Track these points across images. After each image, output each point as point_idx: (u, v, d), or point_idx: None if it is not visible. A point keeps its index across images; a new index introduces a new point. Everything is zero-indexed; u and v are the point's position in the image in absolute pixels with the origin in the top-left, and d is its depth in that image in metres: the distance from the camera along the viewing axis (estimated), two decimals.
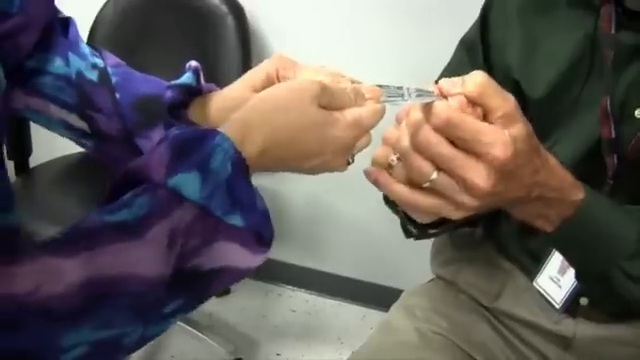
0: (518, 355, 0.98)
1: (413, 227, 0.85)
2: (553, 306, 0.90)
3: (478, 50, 0.96)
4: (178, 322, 1.94)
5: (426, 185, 0.59)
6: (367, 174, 0.64)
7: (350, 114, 0.61)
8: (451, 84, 0.60)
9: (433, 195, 0.60)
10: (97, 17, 1.82)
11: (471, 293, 1.02)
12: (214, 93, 0.76)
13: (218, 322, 2.08)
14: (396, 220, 1.99)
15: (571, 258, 0.75)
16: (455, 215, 0.61)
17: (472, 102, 0.58)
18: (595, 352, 0.93)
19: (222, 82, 1.70)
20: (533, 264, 0.93)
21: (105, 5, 1.82)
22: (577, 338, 0.93)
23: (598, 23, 0.82)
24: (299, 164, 0.61)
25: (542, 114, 0.86)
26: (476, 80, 0.59)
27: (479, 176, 0.57)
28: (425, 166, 0.59)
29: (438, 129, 0.57)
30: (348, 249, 2.12)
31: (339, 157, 0.61)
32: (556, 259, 0.89)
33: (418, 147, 0.59)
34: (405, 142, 0.60)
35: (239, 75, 1.75)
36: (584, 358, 0.94)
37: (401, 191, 0.61)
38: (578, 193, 0.68)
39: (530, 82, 0.89)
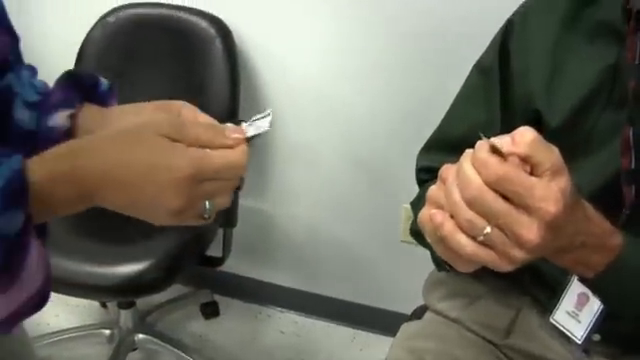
0: None
1: (447, 266, 0.85)
2: (574, 342, 0.87)
3: (495, 77, 0.95)
4: (167, 345, 1.94)
5: (480, 239, 0.59)
6: (433, 216, 0.61)
7: (195, 149, 0.60)
8: (503, 141, 0.59)
9: (487, 248, 0.60)
10: (85, 39, 1.82)
11: (478, 331, 1.01)
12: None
13: (207, 344, 2.06)
14: (386, 244, 2.00)
15: (611, 302, 0.76)
16: (505, 268, 0.60)
17: (522, 159, 0.58)
18: None
19: (210, 103, 1.73)
20: (547, 297, 0.92)
21: (94, 27, 1.82)
22: None
23: (622, 53, 0.82)
24: (131, 191, 0.59)
25: (558, 144, 0.86)
26: (527, 139, 0.58)
27: (531, 230, 0.57)
28: (479, 221, 0.58)
29: (491, 184, 0.57)
30: (337, 271, 2.12)
31: (177, 195, 0.59)
32: (571, 293, 0.87)
33: (472, 202, 0.58)
34: (456, 196, 0.59)
35: (227, 96, 1.78)
36: None
37: (465, 242, 0.59)
38: (616, 238, 0.69)
39: (549, 111, 0.89)
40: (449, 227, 0.60)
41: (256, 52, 1.86)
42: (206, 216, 0.62)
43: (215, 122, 0.67)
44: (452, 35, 1.65)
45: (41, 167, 0.57)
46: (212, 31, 1.74)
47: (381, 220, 1.98)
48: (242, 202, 1.78)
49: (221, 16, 1.78)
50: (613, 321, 0.79)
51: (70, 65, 1.83)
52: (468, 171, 0.58)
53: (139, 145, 0.59)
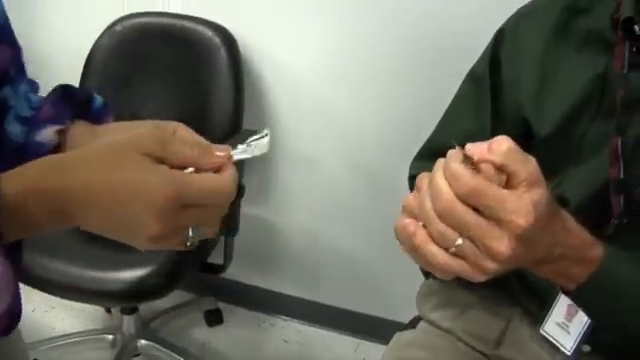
0: None
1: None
2: (563, 353, 0.87)
3: (486, 85, 0.96)
4: (169, 351, 1.95)
5: (451, 251, 0.59)
6: (406, 226, 0.61)
7: (179, 172, 0.57)
8: (478, 149, 0.60)
9: (459, 259, 0.60)
10: (93, 47, 1.85)
11: (469, 341, 1.01)
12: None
13: (210, 351, 2.07)
14: (389, 252, 2.00)
15: (594, 313, 0.76)
16: (479, 278, 0.61)
17: (498, 168, 0.59)
18: None
19: (215, 111, 1.74)
20: (537, 308, 0.92)
21: (101, 35, 1.84)
22: None
23: (611, 62, 0.82)
24: (107, 212, 0.56)
25: (548, 153, 0.85)
26: (502, 148, 0.59)
27: (501, 243, 0.58)
28: (450, 232, 0.59)
29: (463, 197, 0.57)
30: (341, 280, 2.12)
31: (157, 221, 0.55)
32: (561, 304, 0.86)
33: (443, 214, 0.58)
34: (428, 207, 0.59)
35: (231, 105, 1.80)
36: None
37: (436, 252, 0.60)
38: (597, 250, 0.69)
39: (539, 120, 0.89)
40: (421, 237, 0.60)
41: (261, 60, 1.87)
42: (188, 244, 0.59)
43: (207, 142, 0.63)
44: (451, 37, 1.65)
45: (16, 181, 0.54)
46: (217, 40, 1.75)
47: (384, 229, 1.98)
48: (245, 210, 1.79)
49: (226, 25, 1.80)
50: (602, 332, 0.79)
51: (78, 73, 1.85)
52: (439, 182, 0.58)
53: (119, 163, 0.56)
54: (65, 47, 2.07)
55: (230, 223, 1.70)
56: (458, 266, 0.60)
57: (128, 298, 1.64)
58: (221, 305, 2.20)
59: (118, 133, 0.68)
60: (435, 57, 1.69)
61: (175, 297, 2.10)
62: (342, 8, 1.74)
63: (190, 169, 0.58)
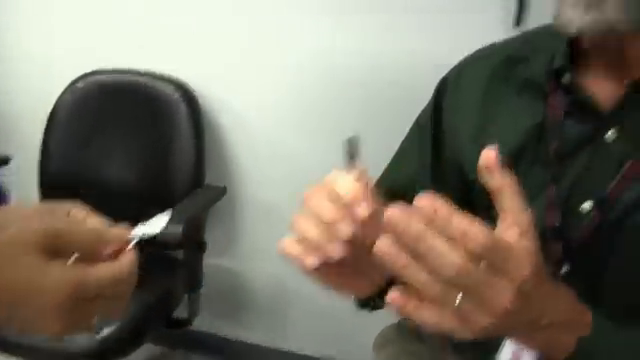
0: None
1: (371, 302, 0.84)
2: None
3: (428, 134, 0.96)
4: None
5: (449, 310, 0.54)
6: (393, 301, 0.55)
7: (73, 267, 0.55)
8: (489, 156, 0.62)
9: (451, 317, 0.55)
10: (56, 103, 1.86)
11: None
12: None
13: None
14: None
15: None
16: (467, 335, 0.55)
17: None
18: None
19: (176, 167, 1.75)
20: (482, 357, 0.89)
21: (64, 92, 1.86)
22: None
23: (545, 111, 0.83)
24: (9, 311, 0.54)
25: (485, 198, 0.85)
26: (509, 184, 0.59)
27: (502, 295, 0.53)
28: (451, 294, 0.53)
29: (474, 255, 0.52)
30: (312, 328, 2.10)
31: (56, 320, 0.54)
32: (507, 351, 0.84)
33: (453, 280, 0.52)
34: (421, 277, 0.53)
35: (193, 160, 1.79)
36: None
37: (432, 316, 0.54)
38: (587, 316, 0.66)
39: (475, 167, 0.90)
40: (414, 306, 0.55)
41: (220, 110, 1.89)
42: (97, 334, 0.58)
43: (104, 223, 0.61)
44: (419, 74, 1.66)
45: None
46: (177, 95, 1.77)
47: None
48: (210, 261, 1.78)
49: (181, 77, 1.82)
50: None
51: (41, 127, 1.86)
52: (441, 247, 0.53)
53: (11, 265, 0.53)
54: (28, 101, 2.07)
55: (192, 279, 1.69)
56: (449, 323, 0.54)
57: (91, 358, 1.61)
58: (194, 357, 2.17)
59: (8, 222, 0.62)
60: (400, 96, 1.71)
61: (144, 351, 2.07)
62: (296, 51, 1.77)
63: (73, 257, 0.56)
